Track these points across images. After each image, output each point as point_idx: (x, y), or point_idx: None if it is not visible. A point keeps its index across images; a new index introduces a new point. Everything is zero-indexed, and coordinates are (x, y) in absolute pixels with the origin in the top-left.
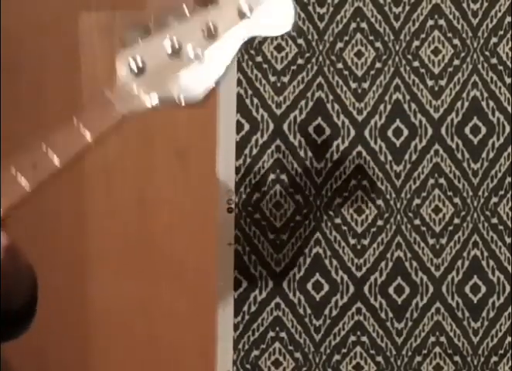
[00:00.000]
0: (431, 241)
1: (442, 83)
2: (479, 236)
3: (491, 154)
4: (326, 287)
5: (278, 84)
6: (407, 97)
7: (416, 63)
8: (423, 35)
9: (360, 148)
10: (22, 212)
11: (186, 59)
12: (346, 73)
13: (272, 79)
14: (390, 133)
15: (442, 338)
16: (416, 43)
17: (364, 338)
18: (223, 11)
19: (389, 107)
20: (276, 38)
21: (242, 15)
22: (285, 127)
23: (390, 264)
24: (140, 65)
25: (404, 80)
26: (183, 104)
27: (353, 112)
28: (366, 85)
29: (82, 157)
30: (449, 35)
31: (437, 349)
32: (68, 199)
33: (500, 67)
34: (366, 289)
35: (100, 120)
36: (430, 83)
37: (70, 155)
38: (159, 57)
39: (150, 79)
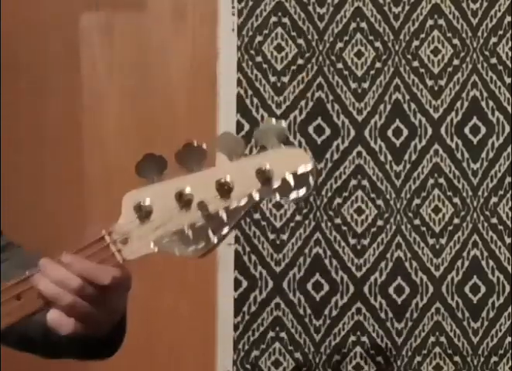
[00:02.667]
0: (431, 241)
1: (442, 82)
2: (478, 236)
3: (491, 154)
4: (326, 287)
5: (278, 84)
6: (407, 97)
7: (416, 63)
8: (423, 35)
9: (360, 148)
10: (22, 213)
11: (193, 214)
12: (346, 73)
13: (272, 79)
14: (390, 133)
15: (442, 338)
16: (416, 43)
17: (364, 338)
18: (242, 169)
19: (389, 107)
20: (276, 38)
21: (262, 179)
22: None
23: (390, 264)
24: (147, 211)
25: (403, 80)
26: (179, 257)
27: (353, 112)
28: (366, 85)
29: None
30: (449, 35)
31: (437, 349)
32: (68, 200)
33: (500, 67)
34: (366, 289)
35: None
36: (430, 82)
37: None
38: (168, 205)
39: (153, 228)
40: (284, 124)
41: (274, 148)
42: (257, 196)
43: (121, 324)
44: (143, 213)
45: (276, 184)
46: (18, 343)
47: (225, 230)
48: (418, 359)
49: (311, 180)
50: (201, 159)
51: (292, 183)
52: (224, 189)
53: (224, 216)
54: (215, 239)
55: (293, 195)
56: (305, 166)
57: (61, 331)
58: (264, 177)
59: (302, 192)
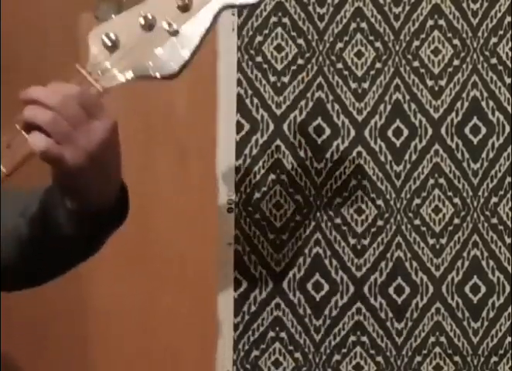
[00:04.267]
0: (431, 241)
1: (442, 83)
2: (478, 236)
3: (491, 154)
4: (326, 287)
5: (278, 84)
6: (407, 97)
7: (416, 63)
8: (423, 35)
9: (360, 148)
10: None
11: (160, 34)
12: (346, 73)
13: (272, 79)
14: (390, 133)
15: (442, 338)
16: (416, 43)
17: (364, 338)
18: None
19: (389, 107)
20: (276, 38)
21: None
22: (285, 127)
23: (390, 264)
24: (113, 41)
25: (404, 80)
26: (158, 77)
27: (353, 112)
28: (366, 85)
29: None
30: (449, 35)
31: (437, 349)
32: None
33: (500, 67)
34: (366, 289)
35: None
36: (430, 83)
37: None
38: (133, 32)
39: (124, 55)
40: None
41: None
42: (217, 5)
43: (122, 196)
44: (111, 44)
45: None
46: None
47: (195, 43)
48: (418, 359)
49: None
50: None
51: None
52: (184, 4)
53: (190, 30)
54: (187, 53)
55: None
56: None
57: (37, 149)
58: None
59: None
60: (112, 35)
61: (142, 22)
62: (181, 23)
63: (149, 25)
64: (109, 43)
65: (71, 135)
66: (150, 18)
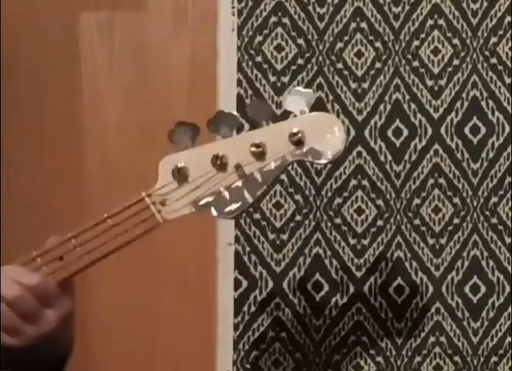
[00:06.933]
0: (430, 241)
1: (442, 82)
2: (478, 236)
3: (491, 154)
4: (326, 287)
5: (278, 84)
6: (407, 97)
7: (416, 63)
8: (423, 35)
9: (360, 148)
10: (20, 214)
11: (228, 175)
12: (346, 73)
13: (272, 79)
14: (390, 133)
15: (442, 338)
16: (416, 43)
17: (364, 338)
18: (275, 133)
19: (389, 107)
20: (276, 38)
21: (294, 142)
22: None
23: (391, 264)
24: (184, 173)
25: (403, 80)
26: (216, 216)
27: (353, 112)
28: (366, 85)
29: (110, 255)
30: (449, 34)
31: (437, 349)
32: (68, 201)
33: (500, 67)
34: (366, 289)
35: (134, 225)
36: (430, 82)
37: (99, 255)
38: (204, 168)
39: (191, 190)
40: (312, 91)
41: (304, 113)
42: (290, 158)
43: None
44: (181, 176)
45: (308, 147)
46: None
47: (260, 191)
48: (418, 359)
49: (341, 144)
50: (232, 125)
51: (323, 147)
52: (259, 152)
53: (259, 177)
54: (250, 199)
55: (324, 159)
56: (336, 130)
57: None
58: (297, 140)
59: (333, 155)
60: (183, 168)
61: (214, 160)
62: (251, 169)
63: (220, 165)
64: (179, 175)
65: (18, 327)
66: (222, 157)
